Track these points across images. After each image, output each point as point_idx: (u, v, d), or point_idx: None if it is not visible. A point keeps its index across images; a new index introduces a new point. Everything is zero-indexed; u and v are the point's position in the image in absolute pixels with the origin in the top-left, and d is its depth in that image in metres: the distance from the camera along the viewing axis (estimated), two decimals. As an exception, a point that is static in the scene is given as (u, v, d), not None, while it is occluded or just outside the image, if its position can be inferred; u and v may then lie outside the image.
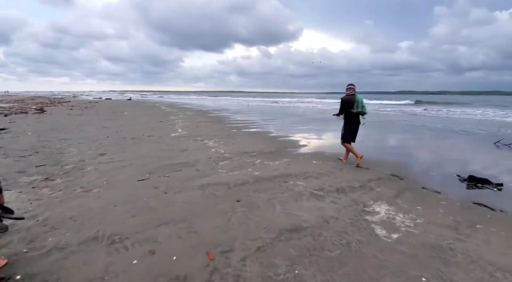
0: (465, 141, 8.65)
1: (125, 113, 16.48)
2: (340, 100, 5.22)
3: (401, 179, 4.45)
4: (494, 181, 4.36)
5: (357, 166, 5.04)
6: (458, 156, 6.46)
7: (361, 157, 5.06)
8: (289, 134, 9.01)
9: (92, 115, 14.72)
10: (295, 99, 49.17)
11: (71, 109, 18.63)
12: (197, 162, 5.05)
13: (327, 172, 4.65)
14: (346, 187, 3.95)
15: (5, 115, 13.43)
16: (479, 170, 5.02)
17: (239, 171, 4.66)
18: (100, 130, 8.93)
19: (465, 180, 4.48)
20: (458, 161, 5.76)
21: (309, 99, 50.09)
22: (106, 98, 45.96)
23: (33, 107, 20.28)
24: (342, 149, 5.66)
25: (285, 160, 5.51)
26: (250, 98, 54.82)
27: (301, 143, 7.46)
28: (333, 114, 5.57)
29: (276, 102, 39.91)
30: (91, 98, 44.63)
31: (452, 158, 6.06)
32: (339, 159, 5.59)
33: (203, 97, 71.15)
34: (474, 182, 4.36)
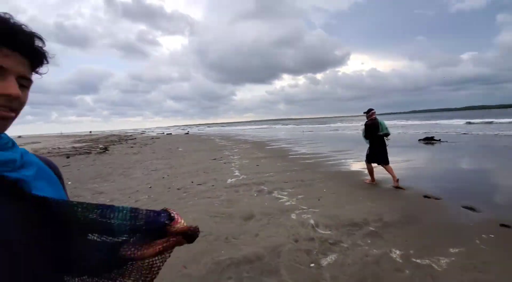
0: None
1: (180, 149, 15.60)
2: (364, 126, 5.64)
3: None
4: None
5: (395, 186, 5.07)
6: None
7: (397, 180, 5.12)
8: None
9: (148, 154, 14.05)
10: (348, 124, 44.86)
11: (131, 147, 18.79)
12: (278, 255, 2.71)
13: None
14: None
15: (67, 157, 13.58)
16: None
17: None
18: (147, 176, 7.47)
19: None
20: None
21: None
22: (167, 134, 48.74)
23: (100, 146, 21.40)
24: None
25: (452, 249, 2.79)
26: (303, 126, 52.32)
27: (433, 191, 4.60)
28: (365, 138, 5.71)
29: (336, 129, 36.46)
30: (154, 134, 47.83)
31: None
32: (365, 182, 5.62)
33: (254, 127, 71.50)
34: None
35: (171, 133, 47.55)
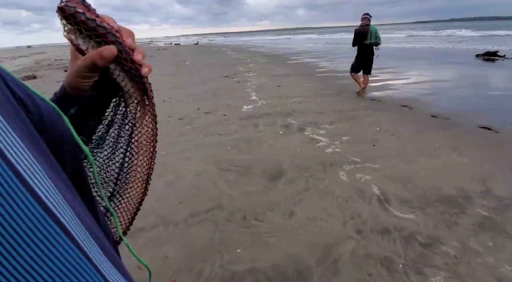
0: None
1: (187, 63, 13.68)
2: (354, 32, 5.26)
3: None
4: None
5: (359, 93, 5.37)
6: None
7: (364, 88, 5.30)
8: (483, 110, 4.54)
9: (152, 67, 12.36)
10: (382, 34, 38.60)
11: (134, 59, 16.90)
12: (336, 270, 1.58)
13: None
14: None
15: (65, 71, 12.21)
16: None
17: None
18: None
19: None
20: None
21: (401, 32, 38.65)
22: (175, 44, 44.90)
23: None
24: None
25: None
26: (326, 36, 46.16)
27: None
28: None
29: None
30: (162, 45, 44.15)
31: None
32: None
33: (270, 37, 64.60)
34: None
35: (179, 44, 43.64)
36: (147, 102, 0.39)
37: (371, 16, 5.14)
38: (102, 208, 0.37)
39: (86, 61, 0.33)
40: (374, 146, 3.18)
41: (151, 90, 0.39)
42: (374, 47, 5.18)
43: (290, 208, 2.10)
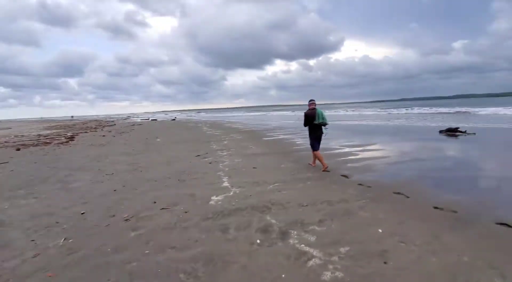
0: None
1: (158, 139, 13.09)
2: (304, 115, 5.92)
3: None
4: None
5: (311, 164, 6.13)
6: None
7: (326, 167, 5.61)
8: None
9: (117, 145, 11.52)
10: (344, 112, 42.66)
11: (103, 136, 16.09)
12: None
13: None
14: None
15: (18, 149, 10.87)
16: None
17: None
18: (94, 186, 5.09)
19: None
20: None
21: (356, 109, 43.03)
22: (152, 119, 45.68)
23: (68, 134, 18.58)
24: None
25: None
26: (296, 112, 50.00)
27: None
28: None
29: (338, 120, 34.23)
30: (138, 120, 44.65)
31: None
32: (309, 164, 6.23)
33: (245, 113, 69.20)
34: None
35: (156, 119, 44.46)
36: None
37: (315, 101, 5.95)
38: None
39: None
40: (385, 263, 2.31)
41: None
42: (322, 127, 5.81)
43: None
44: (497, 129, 12.67)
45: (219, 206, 3.76)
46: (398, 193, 4.09)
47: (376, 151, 7.86)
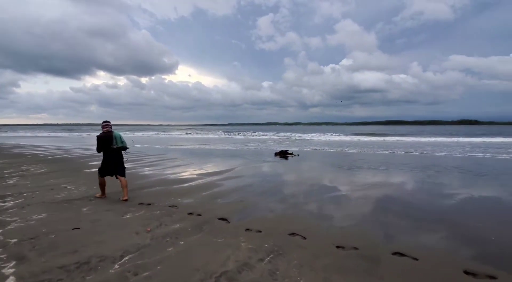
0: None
1: None
2: (96, 138, 5.13)
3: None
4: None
5: (121, 199, 5.11)
6: None
7: (126, 199, 5.05)
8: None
9: None
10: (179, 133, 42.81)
11: None
12: None
13: None
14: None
15: None
16: None
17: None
18: None
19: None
20: None
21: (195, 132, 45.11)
22: None
23: None
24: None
25: None
26: (127, 133, 44.12)
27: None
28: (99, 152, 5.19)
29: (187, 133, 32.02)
30: None
31: None
32: (96, 197, 5.34)
33: (51, 132, 53.67)
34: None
35: None
36: None
37: (111, 123, 5.26)
38: None
39: None
40: None
41: None
42: (122, 151, 5.26)
43: None
44: (312, 151, 16.33)
45: None
46: (223, 219, 3.42)
47: (215, 176, 7.34)
